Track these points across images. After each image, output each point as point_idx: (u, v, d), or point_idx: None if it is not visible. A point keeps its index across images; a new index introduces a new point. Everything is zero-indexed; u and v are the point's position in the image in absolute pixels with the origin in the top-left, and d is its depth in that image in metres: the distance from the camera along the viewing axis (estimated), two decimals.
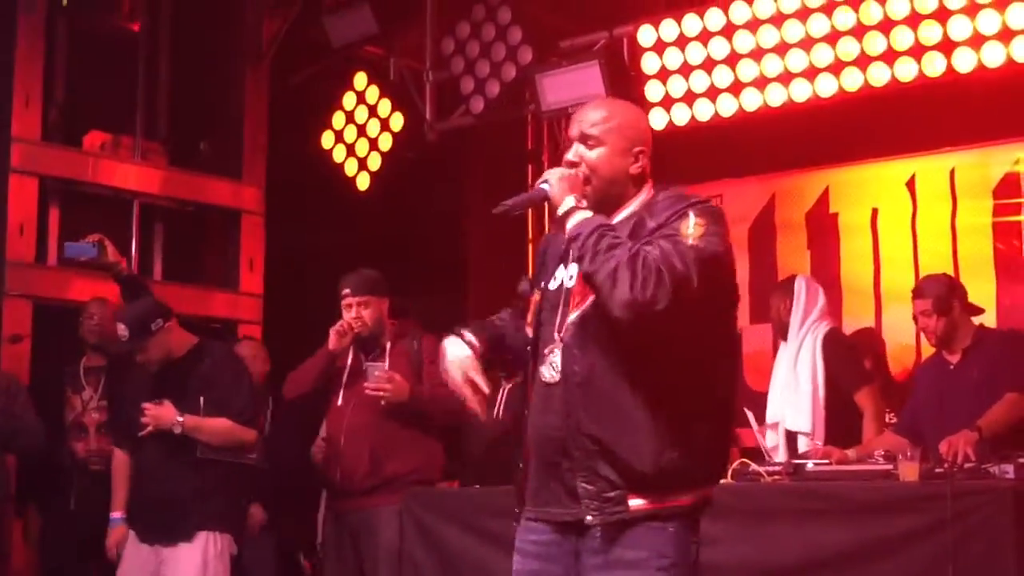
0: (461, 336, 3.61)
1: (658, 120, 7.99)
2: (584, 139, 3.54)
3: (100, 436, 6.89)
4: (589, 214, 3.39)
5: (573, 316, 3.44)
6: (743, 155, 8.73)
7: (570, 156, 3.55)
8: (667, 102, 8.00)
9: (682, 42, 7.91)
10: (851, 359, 6.76)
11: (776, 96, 7.62)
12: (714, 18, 7.79)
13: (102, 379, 7.03)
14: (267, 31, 9.24)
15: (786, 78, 7.57)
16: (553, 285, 3.58)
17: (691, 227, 3.29)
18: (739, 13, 7.69)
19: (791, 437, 6.59)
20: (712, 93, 7.85)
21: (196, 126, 9.00)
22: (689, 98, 7.93)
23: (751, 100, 7.71)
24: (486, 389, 3.54)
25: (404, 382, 6.22)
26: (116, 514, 6.14)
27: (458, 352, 3.58)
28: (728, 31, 7.74)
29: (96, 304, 7.18)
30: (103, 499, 6.59)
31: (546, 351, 3.47)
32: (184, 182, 8.63)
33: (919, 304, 6.21)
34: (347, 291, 6.39)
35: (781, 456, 6.29)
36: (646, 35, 8.02)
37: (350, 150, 9.21)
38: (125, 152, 8.56)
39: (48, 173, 8.09)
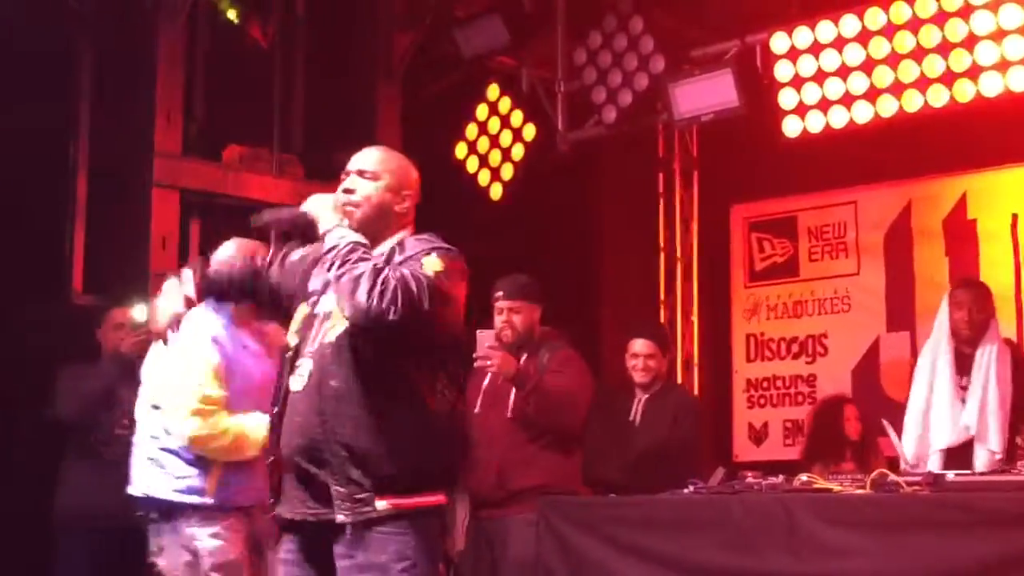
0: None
1: (792, 127, 7.94)
2: (362, 173, 3.92)
3: None
4: (349, 232, 3.77)
5: (330, 335, 3.77)
6: (878, 162, 8.66)
7: (347, 184, 3.91)
8: (801, 109, 7.93)
9: (816, 49, 7.84)
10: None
11: (913, 102, 7.51)
12: (849, 24, 7.71)
13: None
14: (399, 44, 9.35)
15: (923, 83, 7.45)
16: (309, 304, 3.92)
17: (433, 263, 3.70)
18: (875, 19, 7.60)
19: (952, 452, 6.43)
20: (847, 100, 7.76)
21: (331, 139, 9.10)
22: (823, 105, 7.85)
23: (887, 106, 7.61)
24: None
25: (510, 357, 6.20)
26: None
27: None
28: (863, 37, 7.65)
29: None
30: None
31: (298, 363, 3.82)
32: (323, 191, 8.71)
33: None
34: (499, 294, 6.36)
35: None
36: (779, 42, 7.96)
37: (483, 161, 9.26)
38: (262, 165, 8.72)
39: (189, 186, 8.26)
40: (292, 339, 3.90)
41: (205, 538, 5.16)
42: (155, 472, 5.30)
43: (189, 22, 8.34)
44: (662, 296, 9.94)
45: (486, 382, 6.38)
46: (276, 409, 3.84)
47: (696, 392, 9.57)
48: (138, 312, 6.66)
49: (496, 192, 9.20)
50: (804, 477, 5.51)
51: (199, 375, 5.19)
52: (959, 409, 6.43)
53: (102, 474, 6.44)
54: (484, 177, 9.25)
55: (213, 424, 5.17)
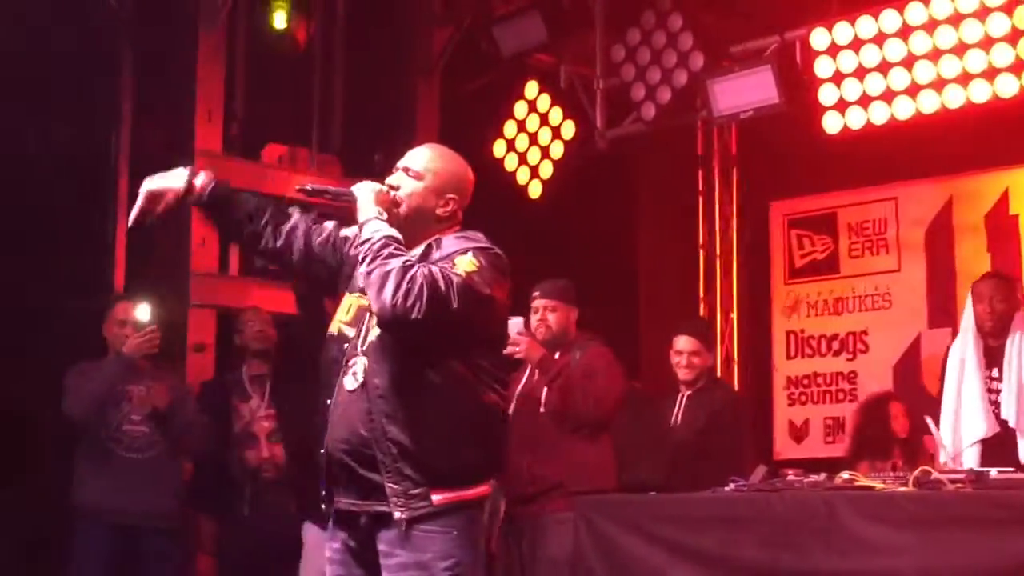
0: (195, 171, 4.03)
1: (832, 124, 7.91)
2: (407, 171, 3.91)
3: (271, 444, 6.99)
4: (386, 226, 3.74)
5: (373, 332, 3.77)
6: (919, 157, 8.61)
7: (391, 180, 3.91)
8: (841, 105, 7.89)
9: (856, 45, 7.80)
10: None
11: (954, 97, 7.47)
12: (889, 20, 7.66)
13: (267, 386, 7.12)
14: (438, 42, 9.37)
15: (964, 79, 7.41)
16: (358, 292, 3.87)
17: (467, 263, 3.70)
18: (915, 14, 7.56)
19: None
20: (888, 96, 7.72)
21: (369, 138, 9.14)
22: (864, 101, 7.81)
23: (928, 102, 7.57)
24: (158, 208, 3.98)
25: (537, 345, 6.23)
26: None
27: (176, 176, 4.01)
28: (904, 33, 7.61)
29: (253, 312, 7.32)
30: (276, 506, 6.78)
31: (350, 362, 3.80)
32: None
33: None
34: (537, 293, 6.41)
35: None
36: (819, 38, 7.92)
37: (522, 158, 9.26)
38: (302, 164, 8.77)
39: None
40: (347, 330, 3.87)
41: None
42: None
43: (229, 22, 8.37)
44: (701, 294, 9.93)
45: (521, 383, 6.40)
46: (328, 403, 3.83)
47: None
48: (141, 311, 6.63)
49: (535, 190, 9.20)
50: (846, 475, 5.49)
51: None
52: (990, 402, 6.42)
53: (115, 471, 6.51)
54: (523, 175, 9.25)
55: None
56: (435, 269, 3.64)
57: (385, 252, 3.64)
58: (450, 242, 3.83)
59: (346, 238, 4.03)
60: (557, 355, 6.37)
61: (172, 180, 4.01)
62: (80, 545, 6.57)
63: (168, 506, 6.66)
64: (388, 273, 3.58)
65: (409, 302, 3.54)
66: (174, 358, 7.55)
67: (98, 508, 6.51)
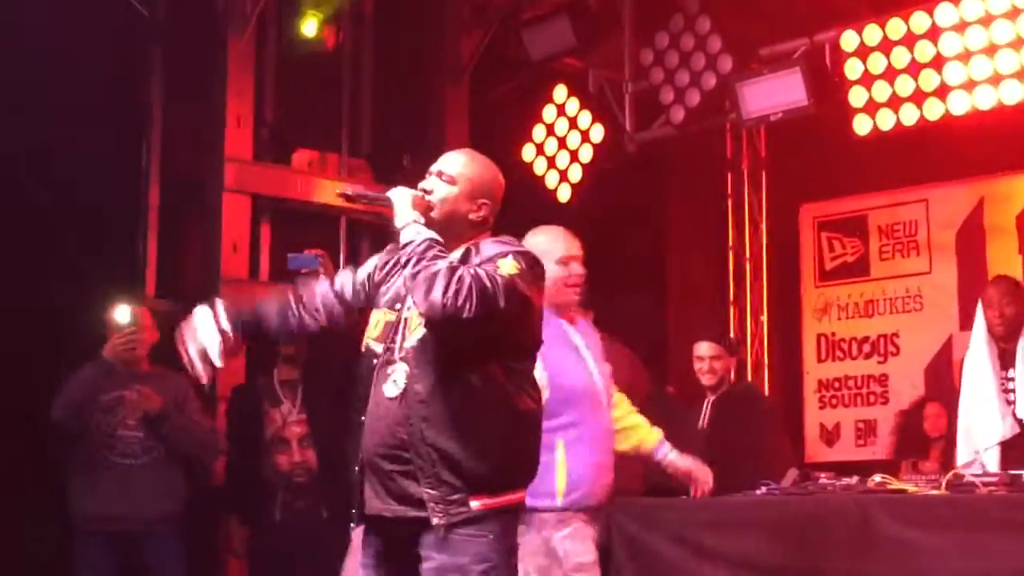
0: (216, 315, 3.96)
1: (863, 126, 7.89)
2: (441, 175, 3.93)
3: (303, 449, 6.95)
4: (425, 229, 3.78)
5: (411, 339, 3.80)
6: (949, 159, 8.59)
7: (425, 184, 3.92)
8: (871, 107, 7.87)
9: (886, 46, 7.78)
10: None
11: (985, 98, 7.44)
12: (919, 21, 7.64)
13: (298, 391, 7.08)
14: (466, 47, 9.38)
15: (995, 80, 7.38)
16: (391, 310, 3.91)
17: (510, 266, 3.71)
18: (945, 15, 7.53)
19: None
20: (918, 97, 7.69)
21: (399, 142, 9.15)
22: (894, 103, 7.79)
23: (959, 103, 7.54)
24: (219, 364, 3.93)
25: None
26: None
27: (206, 328, 3.94)
28: (934, 34, 7.58)
29: None
30: (307, 510, 6.77)
31: (389, 370, 3.81)
32: None
33: None
34: None
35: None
36: (849, 40, 7.90)
37: (551, 162, 9.27)
38: (331, 169, 8.80)
39: (259, 192, 8.33)
40: (374, 345, 3.88)
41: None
42: None
43: (258, 28, 8.40)
44: (731, 297, 9.91)
45: None
46: (363, 419, 3.85)
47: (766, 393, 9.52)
48: (120, 314, 6.59)
49: (564, 194, 9.20)
50: (878, 478, 5.48)
51: None
52: (1007, 403, 6.40)
53: (110, 478, 6.45)
54: (552, 179, 9.26)
55: None
56: (479, 270, 3.66)
57: (430, 254, 3.67)
58: (489, 246, 3.84)
59: (370, 273, 4.06)
60: None
61: (206, 337, 3.96)
62: (81, 555, 6.54)
63: (168, 510, 6.58)
64: (436, 274, 3.60)
65: (460, 301, 3.56)
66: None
67: (95, 516, 6.47)
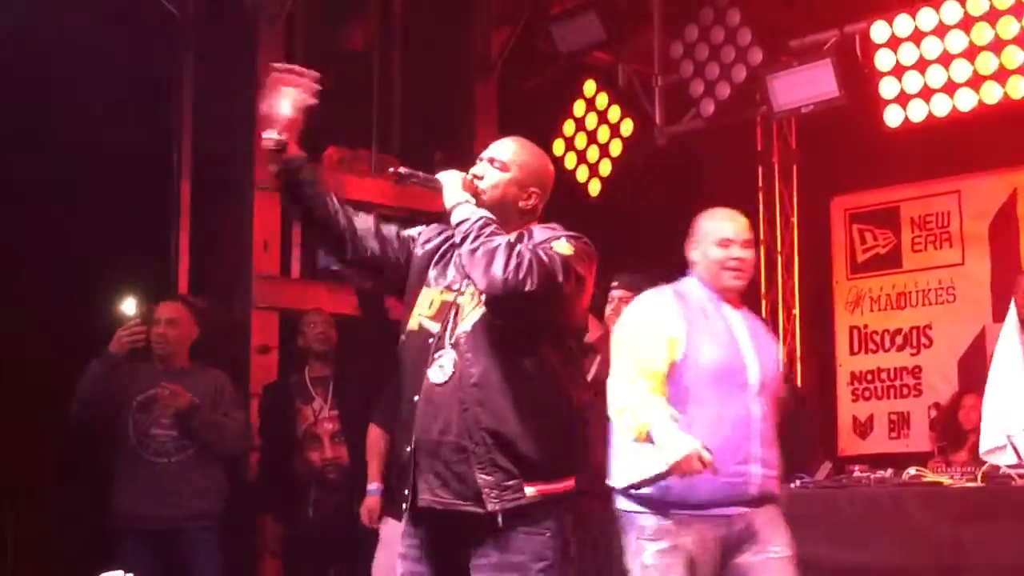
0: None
1: (894, 117, 7.87)
2: (492, 162, 3.90)
3: (335, 445, 6.98)
4: (479, 208, 3.76)
5: (465, 324, 3.75)
6: (982, 150, 8.54)
7: (476, 170, 3.90)
8: (902, 98, 7.85)
9: (917, 37, 7.75)
10: None
11: (1017, 88, 7.41)
12: (950, 11, 7.61)
13: (330, 388, 7.11)
14: (495, 42, 9.39)
15: None
16: (446, 291, 3.84)
17: (564, 247, 3.69)
18: (976, 5, 7.51)
19: None
20: (950, 88, 7.67)
21: (429, 138, 9.17)
22: (926, 94, 7.77)
23: (991, 93, 7.51)
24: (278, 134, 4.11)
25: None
26: (373, 485, 6.44)
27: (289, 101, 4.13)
28: (965, 24, 7.55)
29: (315, 314, 7.29)
30: (340, 507, 6.79)
31: (436, 355, 3.75)
32: (419, 193, 8.63)
33: None
34: (615, 284, 6.35)
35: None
36: (879, 31, 7.88)
37: (581, 157, 9.26)
38: (362, 166, 8.80)
39: None
40: (429, 324, 3.81)
41: None
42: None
43: (287, 25, 8.42)
44: (763, 290, 9.88)
45: (592, 372, 6.39)
46: (415, 399, 3.76)
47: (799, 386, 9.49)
48: (127, 306, 6.54)
49: (594, 188, 9.20)
50: (912, 471, 5.46)
51: None
52: None
53: (146, 477, 6.42)
54: (582, 174, 9.25)
55: None
56: (537, 249, 3.64)
57: (487, 231, 3.66)
58: (540, 231, 3.82)
59: (411, 237, 4.01)
60: None
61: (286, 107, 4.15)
62: (121, 555, 6.42)
63: (204, 509, 6.53)
64: (495, 249, 3.59)
65: (521, 274, 3.55)
66: (237, 361, 7.62)
67: (131, 515, 6.45)
